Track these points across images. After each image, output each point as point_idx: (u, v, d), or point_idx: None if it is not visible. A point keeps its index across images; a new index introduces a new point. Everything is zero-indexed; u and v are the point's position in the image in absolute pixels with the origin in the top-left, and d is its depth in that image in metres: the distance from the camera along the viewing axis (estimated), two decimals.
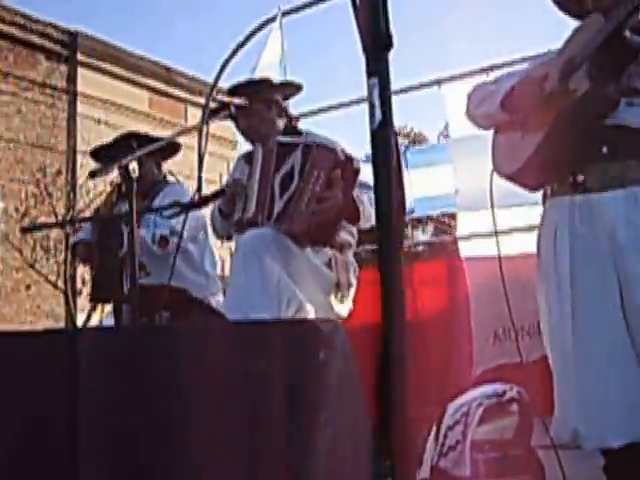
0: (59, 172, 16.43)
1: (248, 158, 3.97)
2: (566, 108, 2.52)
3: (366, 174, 4.01)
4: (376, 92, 1.15)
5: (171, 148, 4.55)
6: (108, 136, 4.60)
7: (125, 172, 2.98)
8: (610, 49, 2.40)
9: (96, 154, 4.68)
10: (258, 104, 3.92)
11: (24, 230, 5.31)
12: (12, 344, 2.00)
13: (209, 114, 3.70)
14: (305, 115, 6.70)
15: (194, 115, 18.27)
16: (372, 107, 1.14)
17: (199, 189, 3.88)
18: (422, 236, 25.39)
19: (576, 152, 2.54)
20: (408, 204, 7.47)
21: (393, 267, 1.14)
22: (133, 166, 2.98)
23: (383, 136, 1.14)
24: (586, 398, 2.48)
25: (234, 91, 4.01)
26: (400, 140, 29.19)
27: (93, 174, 3.12)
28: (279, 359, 1.48)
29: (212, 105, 3.82)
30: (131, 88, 18.70)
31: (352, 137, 4.16)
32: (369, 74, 1.16)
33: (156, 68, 19.21)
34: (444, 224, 19.86)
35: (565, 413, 2.59)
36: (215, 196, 3.96)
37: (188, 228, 4.13)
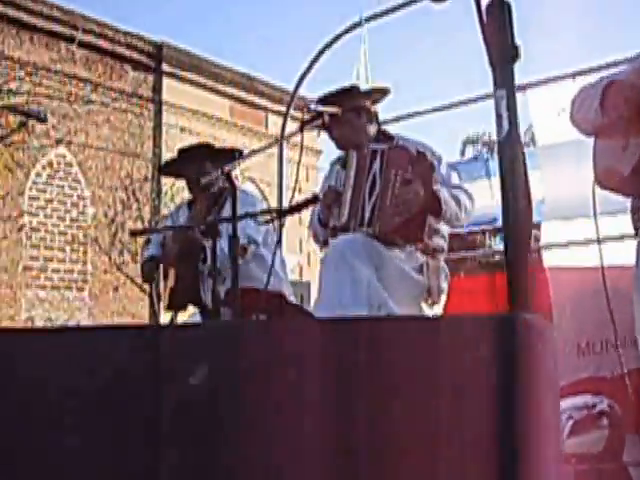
0: (146, 179, 16.76)
1: (342, 163, 4.01)
2: None
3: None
4: (504, 104, 1.17)
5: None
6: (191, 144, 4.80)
7: (228, 179, 3.04)
8: None
9: (165, 168, 4.87)
10: (348, 112, 3.95)
11: (133, 233, 5.44)
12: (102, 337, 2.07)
13: (303, 124, 3.73)
14: (389, 121, 6.71)
15: (275, 123, 18.39)
16: (499, 118, 1.16)
17: (292, 196, 3.93)
18: (500, 245, 25.09)
19: None
20: (491, 212, 7.42)
21: (521, 275, 1.15)
22: (235, 174, 3.04)
23: (511, 145, 1.16)
24: None
25: (324, 101, 4.05)
26: (479, 147, 29.00)
27: (200, 183, 3.19)
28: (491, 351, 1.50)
29: (305, 115, 3.85)
30: (213, 96, 18.93)
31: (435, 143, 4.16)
32: (496, 86, 1.18)
33: (237, 76, 19.41)
34: None
35: None
36: (307, 203, 4.00)
37: (260, 234, 4.26)
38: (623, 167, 2.60)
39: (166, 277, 4.49)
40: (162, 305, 4.51)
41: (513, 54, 1.19)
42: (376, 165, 3.79)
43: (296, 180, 3.63)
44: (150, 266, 4.50)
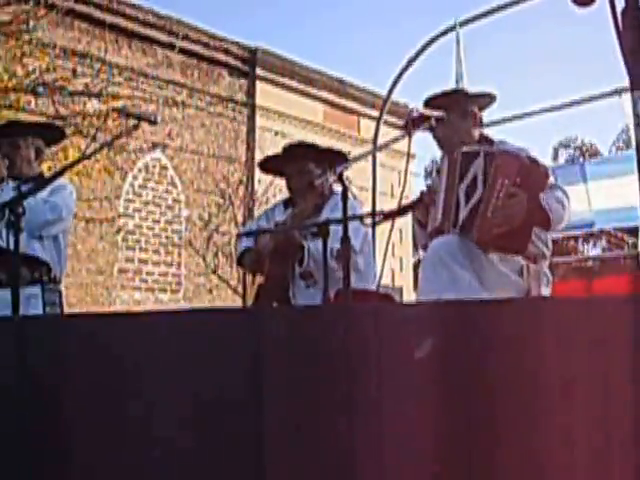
0: (240, 182, 16.97)
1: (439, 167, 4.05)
2: None
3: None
4: None
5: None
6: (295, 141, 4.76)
7: (340, 180, 3.08)
8: None
9: (265, 164, 4.78)
10: (453, 114, 3.98)
11: (238, 235, 5.45)
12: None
13: (408, 125, 3.77)
14: (491, 124, 6.70)
15: (367, 127, 18.44)
16: (637, 118, 1.19)
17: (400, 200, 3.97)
18: (593, 251, 24.67)
19: None
20: (588, 217, 7.34)
21: None
22: (347, 175, 3.08)
23: None
24: None
25: (430, 102, 4.08)
26: (571, 152, 28.56)
27: (302, 182, 3.24)
28: None
29: (413, 115, 3.88)
30: (306, 101, 19.05)
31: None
32: (633, 88, 1.21)
33: (330, 81, 19.51)
34: (617, 238, 19.17)
35: None
36: (413, 205, 4.04)
37: (359, 240, 4.24)
38: None
39: (255, 273, 4.55)
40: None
41: None
42: (476, 168, 3.76)
43: (404, 182, 3.65)
44: (251, 256, 4.42)
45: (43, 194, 4.30)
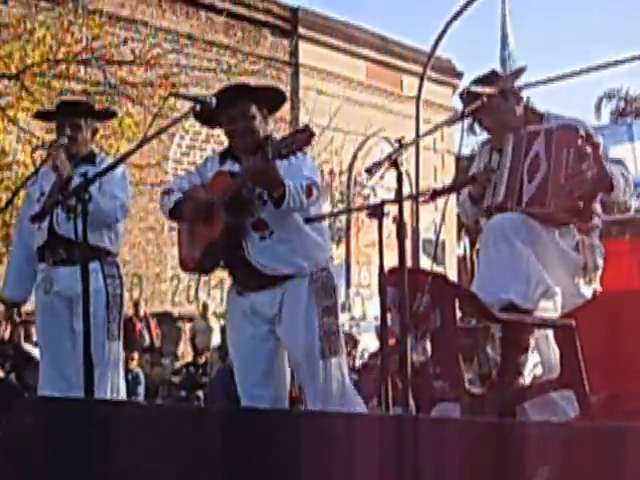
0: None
1: (494, 145, 4.03)
2: None
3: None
4: None
5: None
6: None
7: (395, 166, 3.09)
8: None
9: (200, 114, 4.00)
10: (495, 98, 3.97)
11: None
12: None
13: (463, 111, 3.78)
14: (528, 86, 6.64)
15: (410, 84, 18.33)
16: None
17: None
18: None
19: None
20: (635, 177, 7.28)
21: None
22: (402, 160, 3.10)
23: None
24: None
25: (468, 92, 4.06)
26: (617, 103, 28.11)
27: (369, 171, 3.24)
28: None
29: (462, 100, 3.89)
30: (348, 58, 18.96)
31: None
32: None
33: (372, 38, 19.38)
34: None
35: None
36: (464, 184, 4.06)
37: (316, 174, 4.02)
38: None
39: (192, 232, 4.00)
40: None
41: None
42: (538, 146, 3.78)
43: (456, 165, 3.66)
44: (191, 205, 3.93)
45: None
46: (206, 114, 3.96)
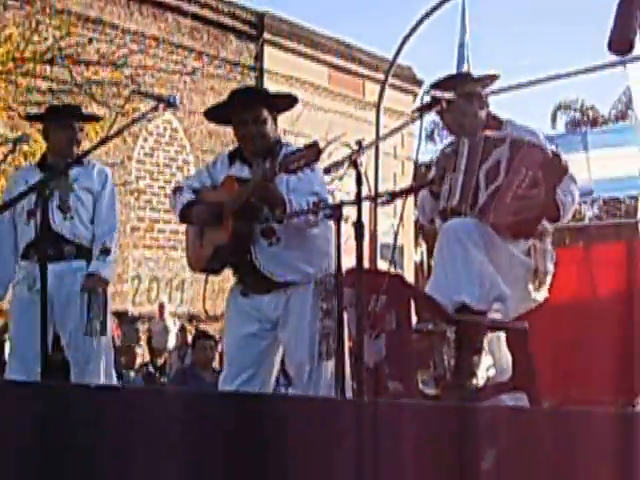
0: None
1: (454, 148, 4.05)
2: None
3: None
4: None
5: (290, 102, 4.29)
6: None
7: (354, 167, 3.10)
8: None
9: (212, 112, 4.32)
10: (460, 99, 3.98)
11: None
12: None
13: (421, 108, 3.78)
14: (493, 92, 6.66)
15: (372, 91, 18.37)
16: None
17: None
18: (589, 213, 24.58)
19: None
20: (587, 185, 7.36)
21: None
22: (361, 161, 3.10)
23: None
24: None
25: (437, 86, 4.08)
26: (571, 114, 28.36)
27: (327, 170, 3.25)
28: None
29: (425, 99, 3.89)
30: (312, 64, 18.96)
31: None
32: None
33: (336, 44, 19.40)
34: (612, 206, 19.06)
35: None
36: (420, 187, 4.07)
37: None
38: None
39: (201, 233, 4.04)
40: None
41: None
42: (500, 154, 3.78)
43: (415, 167, 3.68)
44: (202, 210, 3.97)
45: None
46: (216, 112, 4.17)
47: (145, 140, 16.03)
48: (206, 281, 4.12)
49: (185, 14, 16.08)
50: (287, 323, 3.93)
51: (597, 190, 7.63)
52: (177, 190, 4.13)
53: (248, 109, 4.00)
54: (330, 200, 3.78)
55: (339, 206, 3.33)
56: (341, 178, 3.51)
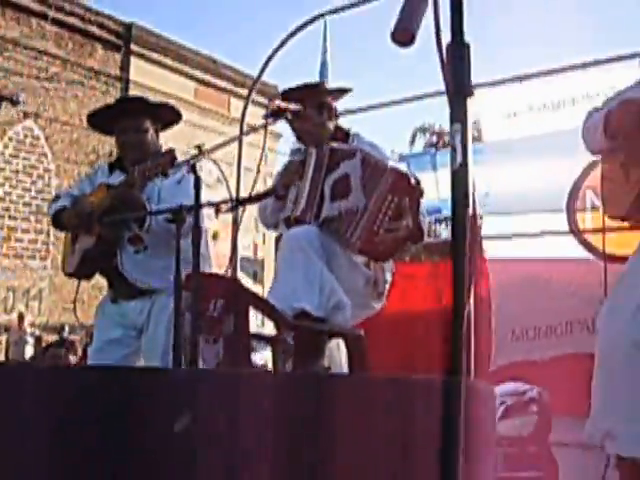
0: (111, 154, 16.63)
1: (301, 156, 4.02)
2: None
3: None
4: (458, 137, 1.23)
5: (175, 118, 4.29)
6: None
7: (193, 171, 3.07)
8: None
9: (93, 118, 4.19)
10: (310, 108, 3.97)
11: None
12: None
13: (268, 117, 3.76)
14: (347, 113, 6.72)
15: (236, 106, 18.34)
16: (454, 150, 1.22)
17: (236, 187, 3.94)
18: (445, 233, 25.18)
19: None
20: (436, 204, 7.52)
21: (464, 295, 1.21)
22: (200, 165, 3.08)
23: (462, 176, 1.22)
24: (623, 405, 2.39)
25: (288, 94, 4.07)
26: (429, 137, 29.08)
27: (165, 174, 3.20)
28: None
29: (267, 106, 3.87)
30: (179, 78, 18.80)
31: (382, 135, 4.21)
32: (452, 120, 1.24)
33: (203, 60, 19.30)
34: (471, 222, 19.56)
35: (601, 416, 2.50)
36: (266, 194, 4.03)
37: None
38: (624, 200, 2.53)
39: (75, 239, 4.00)
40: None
41: (469, 92, 1.24)
42: (350, 168, 3.74)
43: (256, 176, 3.66)
44: (70, 215, 3.90)
45: None
46: (98, 118, 4.08)
47: (6, 147, 15.50)
48: (77, 287, 4.10)
49: (51, 20, 15.66)
50: (147, 330, 3.93)
51: (444, 208, 7.78)
52: (55, 197, 4.15)
53: (131, 117, 4.00)
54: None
55: (179, 209, 3.27)
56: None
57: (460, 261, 1.19)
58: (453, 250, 1.21)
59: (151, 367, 3.51)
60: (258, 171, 3.48)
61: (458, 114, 1.24)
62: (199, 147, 3.14)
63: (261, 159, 3.50)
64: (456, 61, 1.23)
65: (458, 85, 1.25)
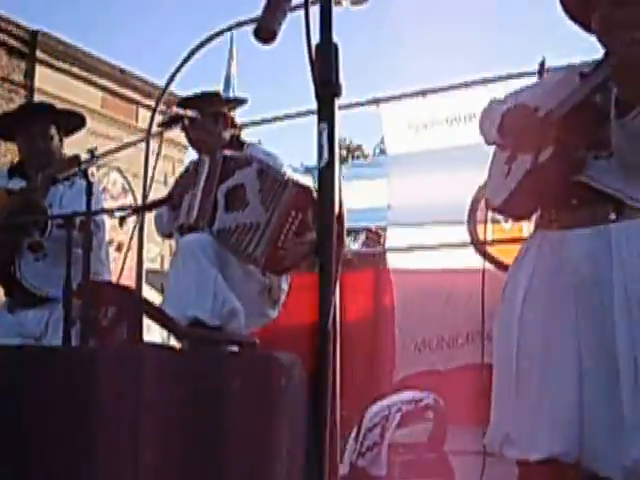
0: (12, 163, 16.26)
1: (195, 165, 4.01)
2: (533, 167, 2.43)
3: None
4: (325, 135, 1.23)
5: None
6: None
7: (85, 177, 3.03)
8: (580, 113, 2.31)
9: None
10: (205, 117, 3.97)
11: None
12: None
13: (164, 124, 3.74)
14: (249, 125, 6.71)
15: (144, 116, 18.12)
16: (320, 148, 1.22)
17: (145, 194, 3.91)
18: (353, 245, 25.39)
19: (548, 201, 2.49)
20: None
21: (330, 295, 1.21)
22: (92, 171, 3.04)
23: (329, 174, 1.22)
24: (519, 412, 2.41)
25: (185, 103, 4.05)
26: (340, 151, 29.23)
27: (55, 181, 3.15)
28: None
29: (165, 115, 3.85)
30: (86, 87, 18.46)
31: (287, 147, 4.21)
32: (320, 119, 1.24)
33: (111, 69, 19.00)
34: (376, 235, 19.74)
35: (501, 422, 2.52)
36: (164, 201, 4.00)
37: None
38: (501, 194, 2.58)
39: None
40: None
41: (336, 91, 1.25)
42: (245, 178, 3.73)
43: (152, 177, 3.62)
44: None
45: None
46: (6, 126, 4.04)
47: None
48: None
49: None
50: (46, 339, 3.87)
51: (350, 220, 7.79)
52: None
53: (36, 124, 3.96)
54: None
55: (70, 216, 3.23)
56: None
57: (326, 257, 1.19)
58: (319, 248, 1.21)
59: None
60: (152, 176, 3.44)
61: (325, 113, 1.24)
62: (92, 152, 3.09)
63: (155, 165, 3.47)
64: (324, 60, 1.23)
65: (326, 84, 1.25)
